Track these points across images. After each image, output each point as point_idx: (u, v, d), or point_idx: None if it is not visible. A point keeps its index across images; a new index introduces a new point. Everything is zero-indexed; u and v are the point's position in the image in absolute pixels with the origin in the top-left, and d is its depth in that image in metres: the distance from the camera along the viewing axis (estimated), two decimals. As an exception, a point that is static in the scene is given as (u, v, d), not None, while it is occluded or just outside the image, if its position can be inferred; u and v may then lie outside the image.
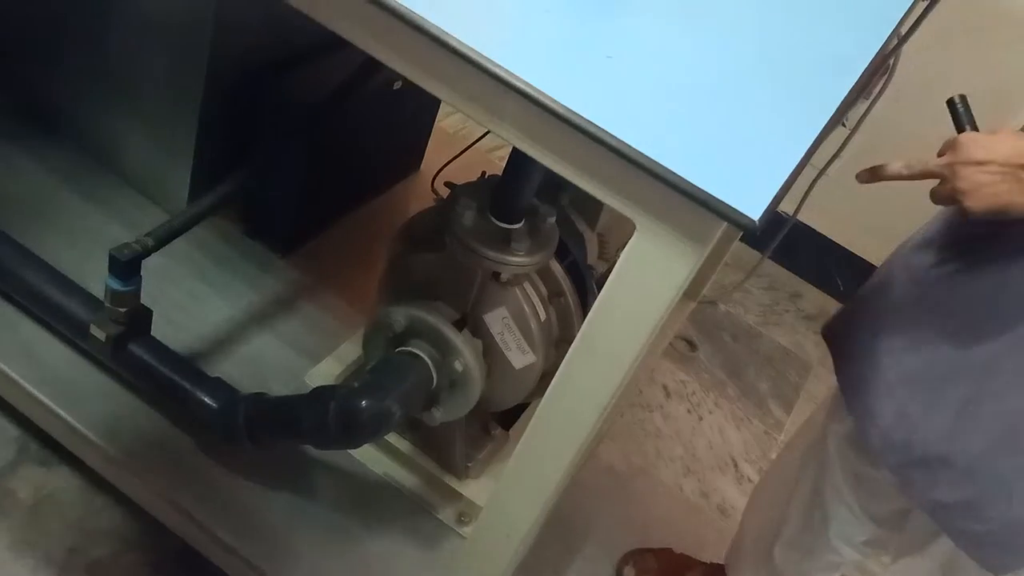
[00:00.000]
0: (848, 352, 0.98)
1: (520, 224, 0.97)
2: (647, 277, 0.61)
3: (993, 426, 0.83)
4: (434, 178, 1.43)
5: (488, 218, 0.96)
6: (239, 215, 1.35)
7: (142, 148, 1.29)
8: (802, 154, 0.61)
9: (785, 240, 1.41)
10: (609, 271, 0.63)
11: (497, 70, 0.57)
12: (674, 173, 0.54)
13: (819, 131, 0.65)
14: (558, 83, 0.57)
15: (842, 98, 0.72)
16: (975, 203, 0.76)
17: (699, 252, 0.58)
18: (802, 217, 1.39)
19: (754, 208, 0.54)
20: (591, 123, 0.55)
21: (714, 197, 0.53)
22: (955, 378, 0.85)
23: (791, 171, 0.58)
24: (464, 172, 1.20)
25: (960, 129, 0.82)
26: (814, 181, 1.28)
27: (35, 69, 1.32)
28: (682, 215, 0.56)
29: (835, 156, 1.29)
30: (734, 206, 0.53)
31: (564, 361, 0.71)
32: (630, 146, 0.55)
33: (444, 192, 1.12)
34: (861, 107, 1.30)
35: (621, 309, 0.63)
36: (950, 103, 0.84)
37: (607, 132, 0.55)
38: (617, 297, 0.63)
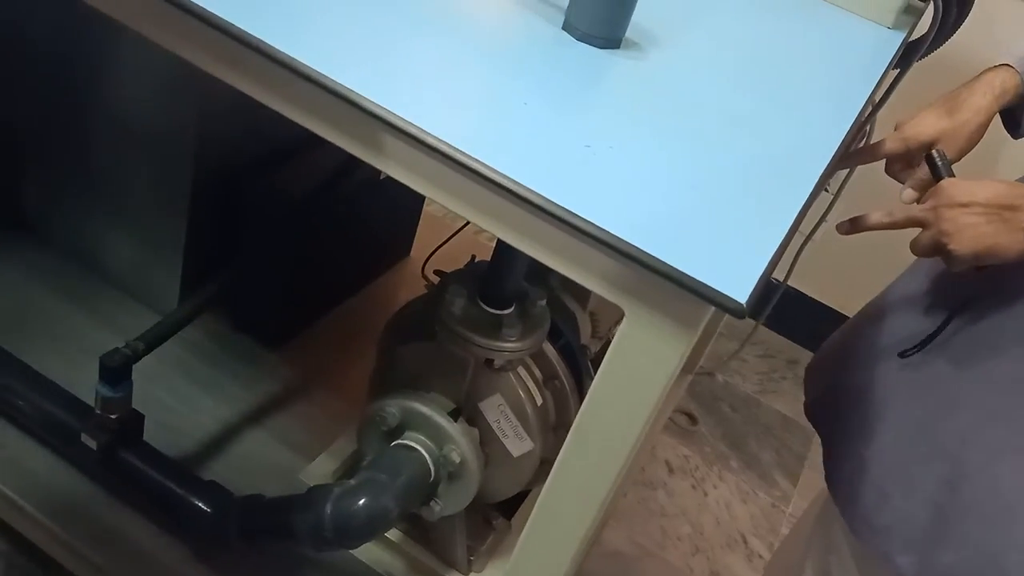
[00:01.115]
0: (824, 423, 0.97)
1: (511, 309, 0.97)
2: (639, 364, 0.60)
3: (981, 506, 0.80)
4: (424, 264, 1.43)
5: (478, 305, 0.96)
6: (227, 309, 1.35)
7: (129, 251, 1.30)
8: (783, 234, 0.61)
9: (778, 307, 1.41)
10: (603, 349, 0.63)
11: (477, 166, 0.57)
12: (660, 260, 0.54)
13: (798, 210, 0.65)
14: (539, 175, 0.58)
15: (819, 175, 0.72)
16: (959, 245, 0.76)
17: (689, 336, 0.58)
18: (793, 283, 1.40)
19: (740, 290, 0.54)
20: (575, 215, 0.56)
21: (700, 282, 0.53)
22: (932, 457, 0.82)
23: (774, 252, 0.58)
24: (454, 255, 1.20)
25: (939, 180, 0.84)
26: (801, 247, 1.29)
27: (17, 174, 1.34)
28: (670, 301, 0.56)
29: (820, 221, 1.30)
30: (720, 290, 0.53)
31: (562, 450, 0.70)
32: (616, 236, 0.55)
33: (435, 278, 1.12)
34: (842, 172, 1.32)
35: (615, 397, 0.63)
36: (928, 158, 0.86)
37: (592, 223, 0.55)
38: (610, 385, 0.63)
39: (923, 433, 0.84)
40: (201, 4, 0.63)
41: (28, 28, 1.20)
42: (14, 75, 1.24)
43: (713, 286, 0.53)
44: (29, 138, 1.30)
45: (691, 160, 0.67)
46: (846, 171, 1.28)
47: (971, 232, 0.75)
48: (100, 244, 1.32)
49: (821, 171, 0.73)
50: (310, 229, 1.25)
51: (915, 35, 1.15)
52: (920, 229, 0.81)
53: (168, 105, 1.14)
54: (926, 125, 0.87)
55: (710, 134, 0.72)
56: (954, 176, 0.84)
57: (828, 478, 0.93)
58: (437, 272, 1.09)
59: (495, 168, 0.57)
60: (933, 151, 0.86)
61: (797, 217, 0.65)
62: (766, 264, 0.57)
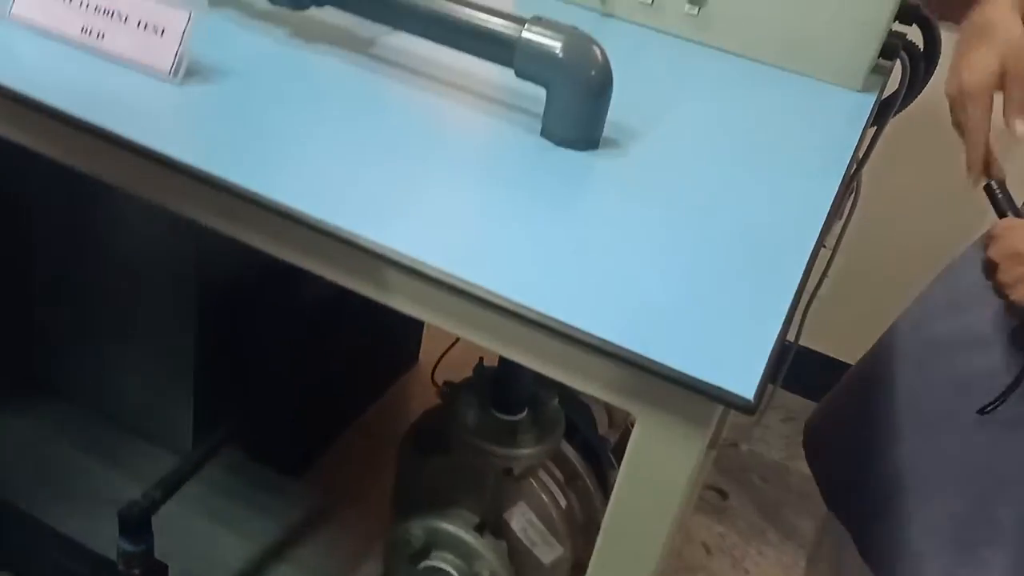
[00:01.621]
0: (855, 513, 0.91)
1: (524, 413, 0.96)
2: (658, 465, 0.60)
3: None
4: (433, 370, 1.43)
5: (491, 413, 0.96)
6: (242, 441, 1.34)
7: (140, 394, 1.30)
8: (783, 316, 0.61)
9: (793, 368, 1.39)
10: (622, 438, 0.62)
11: (477, 291, 0.57)
12: (662, 365, 0.54)
13: (795, 288, 0.65)
14: (535, 289, 0.58)
15: (811, 246, 0.73)
16: (1020, 296, 0.72)
17: (703, 434, 0.57)
18: (804, 342, 1.39)
19: (747, 384, 0.53)
20: (574, 328, 0.56)
21: (705, 383, 0.53)
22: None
23: (775, 338, 0.58)
24: (462, 358, 1.19)
25: (1002, 214, 0.79)
26: (808, 305, 1.28)
27: (26, 332, 1.35)
28: (678, 402, 0.56)
29: (823, 278, 1.30)
30: (727, 388, 0.52)
31: (593, 559, 0.68)
32: (616, 344, 0.55)
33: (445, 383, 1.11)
34: (837, 227, 1.33)
35: (639, 501, 0.62)
36: (987, 189, 0.80)
37: (591, 335, 0.55)
38: (632, 490, 0.62)
39: (993, 503, 0.80)
40: (182, 159, 0.64)
41: (27, 190, 1.23)
42: (18, 235, 1.26)
43: (719, 384, 0.53)
44: (36, 293, 1.32)
45: (682, 251, 0.68)
46: (842, 224, 1.29)
47: None
48: (110, 391, 1.32)
49: (813, 242, 0.73)
50: (317, 344, 1.26)
51: (888, 91, 1.17)
52: None
53: (168, 243, 1.16)
54: (979, 69, 0.76)
55: (698, 221, 0.73)
56: (1017, 210, 0.78)
57: (869, 559, 0.88)
58: (447, 383, 1.09)
59: (494, 291, 0.57)
60: (992, 182, 0.79)
61: (795, 295, 0.65)
62: (768, 353, 0.56)
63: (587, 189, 0.76)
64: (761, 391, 0.54)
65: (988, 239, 0.76)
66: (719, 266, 0.67)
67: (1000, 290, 0.74)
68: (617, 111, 0.81)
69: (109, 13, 0.74)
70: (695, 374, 0.53)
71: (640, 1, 1.16)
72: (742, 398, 0.52)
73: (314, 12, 0.88)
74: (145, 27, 0.73)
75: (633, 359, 0.54)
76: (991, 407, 0.79)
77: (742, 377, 0.54)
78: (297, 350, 1.23)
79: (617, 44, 1.10)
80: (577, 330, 0.55)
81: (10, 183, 1.22)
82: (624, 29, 1.16)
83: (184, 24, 0.73)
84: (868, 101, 1.06)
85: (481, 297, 0.57)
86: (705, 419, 0.56)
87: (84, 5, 0.74)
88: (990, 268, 0.75)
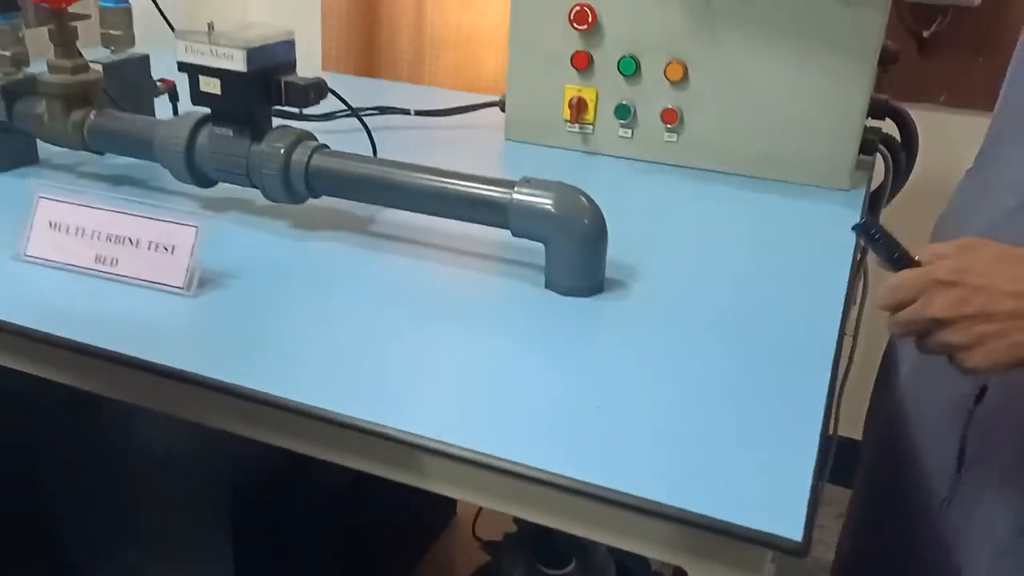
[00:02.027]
0: None
1: (572, 565, 0.94)
2: (717, 614, 0.58)
3: None
4: (474, 523, 1.40)
5: (537, 569, 0.94)
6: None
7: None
8: (816, 440, 0.61)
9: (837, 461, 1.37)
10: (677, 569, 0.60)
11: (508, 466, 0.58)
12: (703, 517, 0.53)
13: (823, 407, 0.65)
14: (565, 454, 0.58)
15: (832, 353, 0.73)
16: (981, 360, 0.62)
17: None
18: (843, 432, 1.37)
19: (793, 524, 0.52)
20: (611, 491, 0.55)
21: (752, 530, 0.52)
22: None
23: (813, 469, 0.58)
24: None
25: (894, 262, 0.67)
26: (839, 396, 1.27)
27: (57, 530, 1.34)
28: (727, 552, 0.55)
29: (849, 364, 1.29)
30: (774, 532, 0.52)
31: None
32: (653, 501, 0.54)
33: (487, 536, 1.09)
34: (853, 311, 1.33)
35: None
36: (867, 236, 0.69)
37: (631, 496, 0.55)
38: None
39: None
40: (203, 372, 0.66)
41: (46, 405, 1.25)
42: (44, 432, 1.27)
43: (766, 530, 0.52)
44: (68, 494, 1.32)
45: (703, 389, 0.68)
46: (857, 310, 1.29)
47: (997, 343, 0.61)
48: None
49: (833, 349, 0.73)
50: (355, 515, 1.24)
51: (875, 183, 1.19)
52: None
53: (200, 438, 1.17)
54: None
55: (713, 353, 0.73)
56: (908, 254, 0.67)
57: None
58: (489, 542, 1.07)
59: (531, 465, 0.57)
60: (867, 222, 0.70)
61: (825, 415, 0.64)
62: (809, 491, 0.56)
63: (600, 337, 0.77)
64: (809, 531, 0.53)
65: (916, 293, 0.64)
66: (746, 392, 0.67)
67: (953, 354, 0.64)
68: (615, 249, 0.83)
69: (121, 239, 0.77)
70: (741, 522, 0.52)
71: (620, 136, 1.20)
72: (791, 541, 0.51)
73: (311, 201, 0.92)
74: (156, 247, 0.76)
75: (678, 516, 0.54)
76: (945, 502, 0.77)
77: (787, 517, 0.53)
78: (336, 520, 1.21)
79: (604, 179, 1.15)
80: (620, 494, 0.55)
81: (26, 402, 1.24)
82: (608, 163, 1.20)
83: (193, 239, 0.76)
84: (857, 197, 1.09)
85: (520, 473, 0.57)
86: (757, 563, 0.55)
87: (96, 236, 0.78)
88: (937, 325, 0.63)
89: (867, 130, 1.11)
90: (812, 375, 0.70)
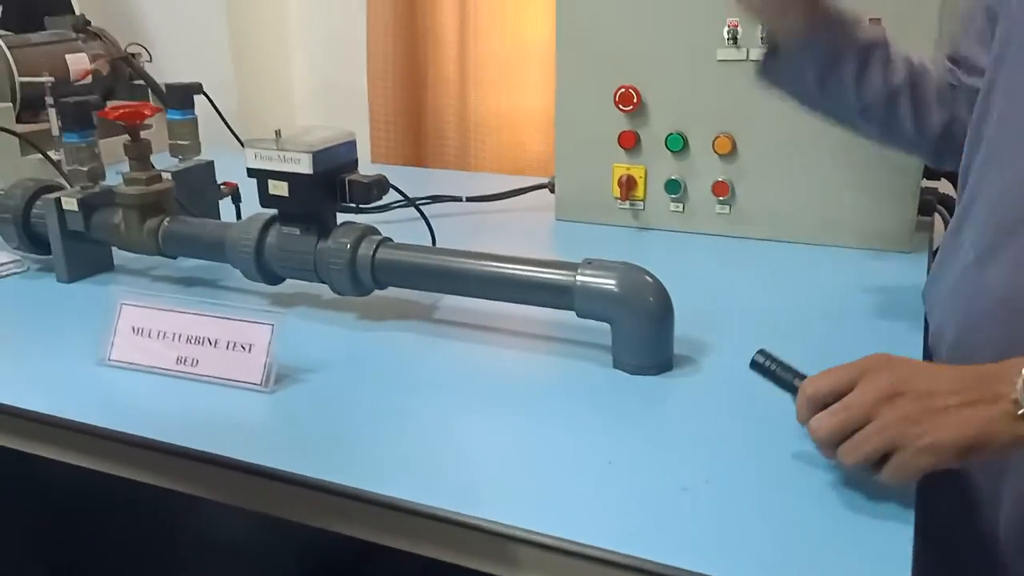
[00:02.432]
0: None
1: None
2: None
3: None
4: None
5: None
6: None
7: None
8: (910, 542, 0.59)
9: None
10: None
11: (597, 553, 0.57)
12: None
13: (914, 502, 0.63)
14: (659, 543, 0.58)
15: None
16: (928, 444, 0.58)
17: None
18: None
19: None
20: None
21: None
22: None
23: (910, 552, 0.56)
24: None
25: (792, 387, 0.67)
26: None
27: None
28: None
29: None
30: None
31: None
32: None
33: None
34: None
35: None
36: (761, 368, 0.70)
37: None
38: None
39: None
40: (285, 468, 0.67)
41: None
42: (113, 523, 1.29)
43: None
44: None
45: (787, 466, 0.67)
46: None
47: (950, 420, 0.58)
48: None
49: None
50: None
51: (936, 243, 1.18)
52: None
53: (269, 527, 1.17)
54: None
55: (790, 426, 0.72)
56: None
57: None
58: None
59: (617, 551, 0.57)
60: (758, 357, 0.69)
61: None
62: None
63: (674, 416, 0.77)
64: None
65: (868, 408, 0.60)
66: (831, 470, 0.66)
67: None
68: (680, 324, 0.83)
69: (200, 340, 0.79)
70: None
71: (672, 210, 1.22)
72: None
73: (376, 292, 0.94)
74: (234, 347, 0.78)
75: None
76: None
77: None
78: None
79: (659, 254, 1.16)
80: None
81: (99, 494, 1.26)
82: (662, 238, 1.21)
83: (269, 337, 0.78)
84: (921, 259, 1.08)
85: (613, 561, 0.57)
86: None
87: (176, 337, 0.80)
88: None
89: (924, 191, 1.10)
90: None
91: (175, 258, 1.05)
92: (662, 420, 0.76)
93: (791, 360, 0.70)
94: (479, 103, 1.82)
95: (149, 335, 0.81)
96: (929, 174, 1.12)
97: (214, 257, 0.98)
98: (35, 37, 1.52)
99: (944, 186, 1.16)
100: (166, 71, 1.86)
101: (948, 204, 1.15)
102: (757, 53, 1.08)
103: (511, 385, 0.83)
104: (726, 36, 1.11)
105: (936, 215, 1.15)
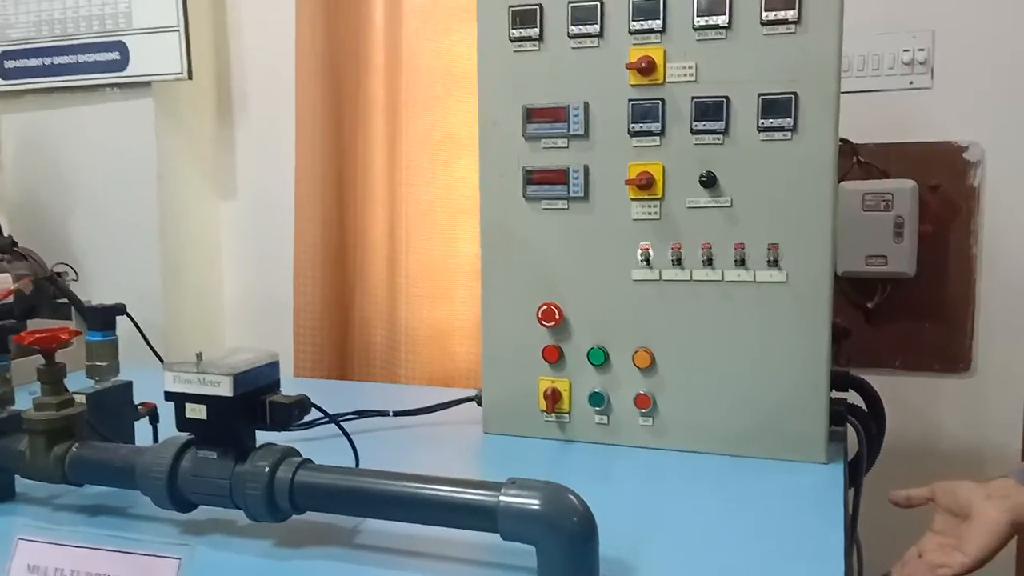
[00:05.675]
0: None
1: None
2: None
3: None
4: None
5: None
6: None
7: None
8: None
9: None
10: None
11: None
12: None
13: None
14: None
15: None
16: None
17: None
18: None
19: None
20: None
21: None
22: None
23: None
24: None
25: None
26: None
27: None
28: None
29: None
30: None
31: None
32: None
33: None
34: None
35: None
36: None
37: None
38: None
39: None
40: None
41: None
42: None
43: None
44: None
45: None
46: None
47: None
48: None
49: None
50: None
51: (851, 453, 1.21)
52: None
53: None
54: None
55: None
56: None
57: None
58: None
59: None
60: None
61: None
62: None
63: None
64: None
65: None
66: None
67: None
68: (606, 544, 0.81)
69: (99, 578, 0.74)
70: None
71: (597, 423, 1.23)
72: None
73: (294, 517, 0.91)
74: (137, 585, 0.73)
75: None
76: None
77: None
78: None
79: (585, 468, 1.15)
80: None
81: None
82: (588, 451, 1.21)
83: (175, 571, 0.74)
84: (837, 471, 1.10)
85: None
86: None
87: (75, 575, 0.75)
88: None
89: (834, 401, 1.14)
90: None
91: (81, 486, 1.00)
92: None
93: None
94: (410, 314, 1.85)
95: (46, 573, 0.76)
96: (837, 384, 1.16)
97: (123, 484, 0.94)
98: (-41, 258, 1.52)
99: (853, 396, 1.20)
100: (94, 288, 1.87)
101: (858, 413, 1.19)
102: (669, 274, 1.15)
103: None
104: (639, 258, 1.18)
105: (849, 425, 1.18)
